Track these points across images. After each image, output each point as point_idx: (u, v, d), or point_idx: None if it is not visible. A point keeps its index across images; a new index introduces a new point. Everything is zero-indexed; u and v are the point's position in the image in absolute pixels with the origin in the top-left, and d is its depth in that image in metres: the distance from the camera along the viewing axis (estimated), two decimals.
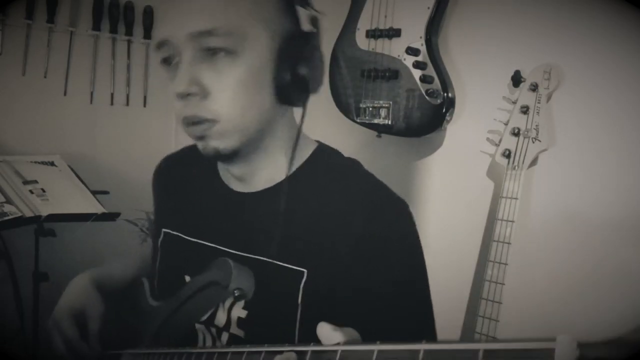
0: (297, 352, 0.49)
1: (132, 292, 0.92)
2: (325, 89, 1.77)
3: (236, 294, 0.68)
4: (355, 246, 0.73)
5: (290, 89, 0.73)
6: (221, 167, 0.86)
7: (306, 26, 0.75)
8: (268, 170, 0.79)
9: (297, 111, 0.79)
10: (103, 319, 0.87)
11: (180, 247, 0.86)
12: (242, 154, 0.75)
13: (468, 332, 1.59)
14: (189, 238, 0.86)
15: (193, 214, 0.88)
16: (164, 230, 0.90)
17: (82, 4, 2.11)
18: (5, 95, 2.00)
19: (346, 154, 0.84)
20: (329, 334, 0.49)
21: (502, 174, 1.48)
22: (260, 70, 0.72)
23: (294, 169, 0.78)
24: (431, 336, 0.77)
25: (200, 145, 0.73)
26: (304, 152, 0.80)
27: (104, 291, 0.91)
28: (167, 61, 0.73)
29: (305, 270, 0.74)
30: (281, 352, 0.50)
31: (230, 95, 0.70)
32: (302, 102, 0.75)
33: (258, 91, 0.72)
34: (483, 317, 1.45)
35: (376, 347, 0.42)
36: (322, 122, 1.87)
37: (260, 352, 0.53)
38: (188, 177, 0.91)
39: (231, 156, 0.74)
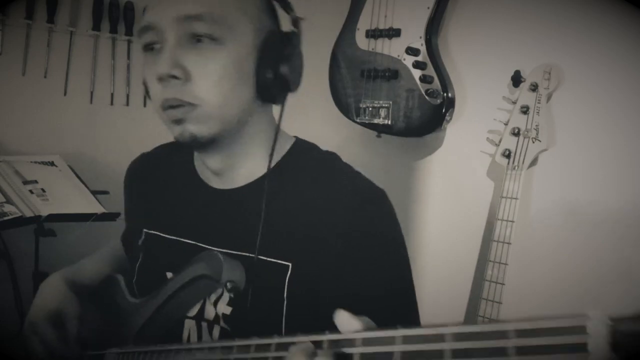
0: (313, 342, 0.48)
1: (107, 290, 0.91)
2: (324, 88, 1.77)
3: (229, 287, 0.68)
4: (338, 237, 0.74)
5: (270, 86, 0.75)
6: (198, 165, 0.86)
7: (287, 27, 0.77)
8: (247, 166, 0.80)
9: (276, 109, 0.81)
10: (81, 319, 0.85)
11: (161, 246, 0.86)
12: (220, 145, 0.76)
13: None
14: (169, 237, 0.85)
15: (172, 213, 0.87)
16: (145, 230, 0.90)
17: (82, 4, 2.10)
18: (5, 95, 2.00)
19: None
20: (348, 321, 0.48)
21: (502, 174, 1.47)
22: (243, 62, 0.73)
23: (272, 164, 0.79)
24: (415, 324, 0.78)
25: (177, 130, 0.73)
26: (283, 148, 0.82)
27: (78, 290, 0.89)
28: (149, 47, 0.73)
29: (289, 264, 0.75)
30: (294, 343, 0.49)
31: (212, 81, 0.71)
32: (281, 100, 0.78)
33: (239, 82, 0.73)
34: (483, 317, 1.45)
35: (400, 333, 0.41)
36: (322, 122, 1.88)
37: (269, 345, 0.52)
38: (165, 176, 0.91)
39: (207, 144, 0.75)
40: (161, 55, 0.71)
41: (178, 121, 0.72)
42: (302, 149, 0.84)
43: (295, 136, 0.86)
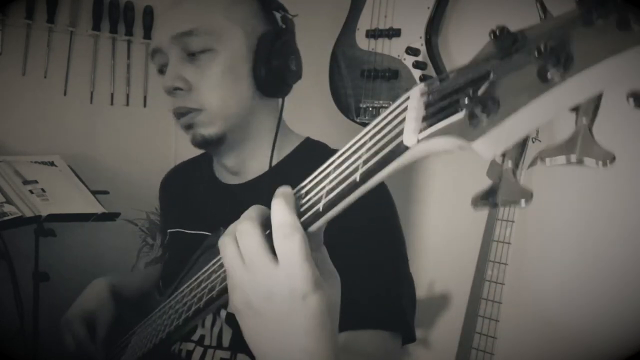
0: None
1: (146, 298, 0.96)
2: (325, 88, 1.77)
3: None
4: (339, 232, 0.74)
5: (268, 81, 0.81)
6: (217, 168, 0.93)
7: (278, 24, 0.84)
8: (256, 161, 0.85)
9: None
10: (112, 325, 0.91)
11: (183, 241, 0.91)
12: (229, 142, 0.82)
13: (468, 332, 1.59)
14: (190, 231, 0.91)
15: (194, 213, 0.93)
16: (169, 231, 0.96)
17: (82, 4, 2.10)
18: (5, 95, 2.00)
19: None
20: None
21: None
22: (238, 64, 0.80)
23: (279, 159, 0.85)
24: (409, 314, 0.78)
25: (190, 135, 0.82)
26: (290, 144, 0.87)
27: (119, 299, 0.95)
28: (162, 70, 0.82)
29: None
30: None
31: (211, 87, 0.79)
32: (282, 94, 0.85)
33: (236, 83, 0.80)
34: (483, 317, 1.45)
35: None
36: (322, 121, 1.87)
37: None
38: (190, 183, 0.98)
39: (218, 143, 0.82)
40: (167, 72, 0.80)
41: (188, 126, 0.81)
42: (310, 146, 0.88)
43: (307, 137, 0.90)
